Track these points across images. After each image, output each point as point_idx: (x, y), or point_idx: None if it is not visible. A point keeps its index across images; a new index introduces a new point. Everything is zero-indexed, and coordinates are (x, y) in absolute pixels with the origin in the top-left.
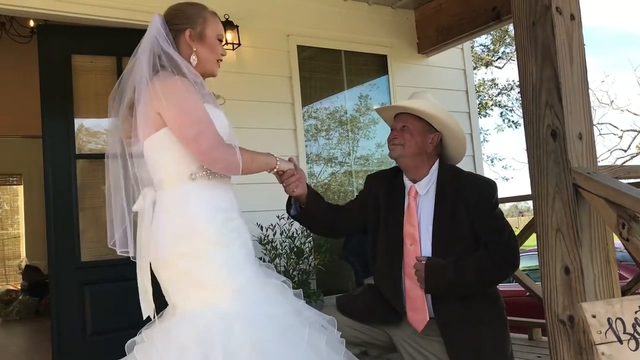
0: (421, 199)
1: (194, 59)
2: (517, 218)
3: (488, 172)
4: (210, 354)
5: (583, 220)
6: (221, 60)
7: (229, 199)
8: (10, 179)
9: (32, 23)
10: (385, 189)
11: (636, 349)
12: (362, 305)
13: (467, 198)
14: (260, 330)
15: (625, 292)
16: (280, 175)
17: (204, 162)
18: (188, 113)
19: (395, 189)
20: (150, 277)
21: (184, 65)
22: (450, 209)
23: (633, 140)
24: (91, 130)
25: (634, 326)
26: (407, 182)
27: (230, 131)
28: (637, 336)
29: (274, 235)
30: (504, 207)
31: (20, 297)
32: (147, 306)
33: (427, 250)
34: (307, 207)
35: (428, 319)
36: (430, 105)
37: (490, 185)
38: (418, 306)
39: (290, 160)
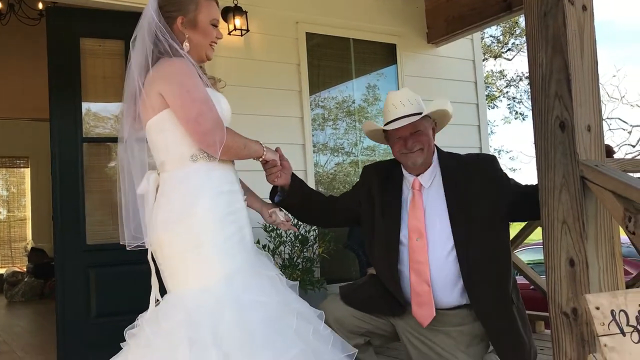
0: (426, 191)
1: (186, 45)
2: None
3: None
4: (199, 335)
5: (589, 213)
6: (215, 43)
7: (229, 181)
8: (18, 161)
9: (40, 5)
10: (380, 181)
11: (639, 341)
12: (366, 296)
13: (478, 177)
14: (249, 315)
15: (629, 287)
16: (264, 165)
17: (201, 143)
18: (190, 92)
19: (392, 182)
20: (153, 262)
21: (184, 53)
22: (463, 193)
23: None
24: (99, 113)
25: (637, 319)
26: (409, 176)
27: (230, 117)
28: None
29: None
30: None
31: (25, 279)
32: (154, 290)
33: (434, 243)
34: (288, 198)
35: (434, 314)
36: (438, 103)
37: (492, 159)
38: (424, 301)
39: (277, 150)
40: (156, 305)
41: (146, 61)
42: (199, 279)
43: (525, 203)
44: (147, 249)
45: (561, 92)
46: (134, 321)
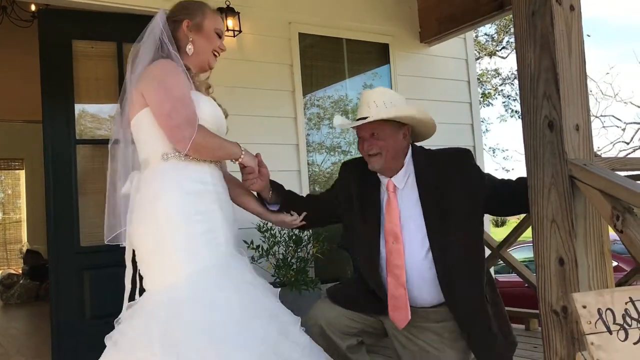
0: (400, 192)
1: (189, 48)
2: None
3: (489, 163)
4: (158, 334)
5: (578, 212)
6: (219, 54)
7: (202, 181)
8: (13, 163)
9: (33, 7)
10: (358, 181)
11: (625, 339)
12: (353, 295)
13: (454, 178)
14: (209, 315)
15: (622, 284)
16: (242, 169)
17: (170, 138)
18: (167, 89)
19: (369, 183)
20: (131, 261)
21: (174, 54)
22: (436, 192)
23: (636, 133)
24: (92, 115)
25: (623, 317)
26: (383, 177)
27: (219, 121)
28: (627, 327)
29: None
30: None
31: (21, 281)
32: (127, 291)
33: (410, 245)
34: (269, 205)
35: (409, 318)
36: (390, 110)
37: (466, 155)
38: (400, 305)
39: (256, 156)
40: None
41: (143, 68)
42: (163, 278)
43: (500, 197)
44: None
45: (549, 91)
46: None
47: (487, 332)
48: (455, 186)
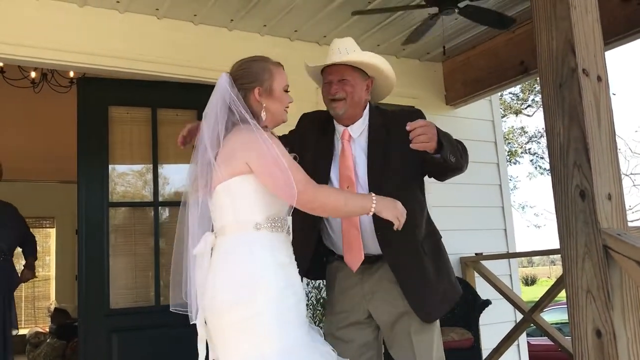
0: (354, 142)
1: (264, 114)
2: (549, 267)
3: (518, 220)
4: None
5: (614, 282)
6: (288, 107)
7: (287, 253)
8: (43, 221)
9: (71, 74)
10: (316, 132)
11: None
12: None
13: (398, 133)
14: None
15: None
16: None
17: (298, 204)
18: (277, 161)
19: (326, 134)
20: (204, 325)
21: (254, 123)
22: (383, 147)
23: None
24: (125, 178)
25: None
26: (339, 127)
27: None
28: None
29: None
30: (535, 257)
31: (48, 340)
32: (202, 354)
33: (360, 192)
34: None
35: (363, 258)
36: (368, 55)
37: (415, 114)
38: (353, 247)
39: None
40: None
41: (218, 133)
42: (256, 349)
43: (431, 164)
44: (181, 314)
45: (580, 161)
46: None
47: (422, 282)
48: (398, 141)
